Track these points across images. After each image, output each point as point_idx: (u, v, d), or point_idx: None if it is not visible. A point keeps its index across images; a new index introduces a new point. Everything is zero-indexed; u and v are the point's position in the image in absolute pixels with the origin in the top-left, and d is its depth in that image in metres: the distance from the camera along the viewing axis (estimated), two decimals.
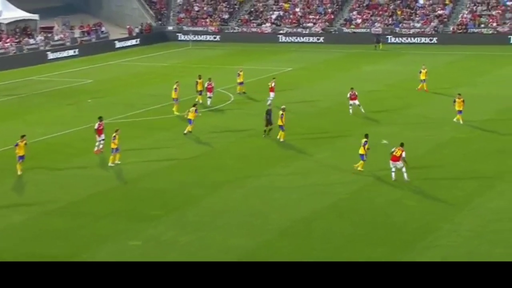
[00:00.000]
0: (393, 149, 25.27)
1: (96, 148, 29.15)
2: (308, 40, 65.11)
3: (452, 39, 61.48)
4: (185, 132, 31.68)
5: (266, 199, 23.55)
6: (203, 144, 30.64)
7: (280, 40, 65.13)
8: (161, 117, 35.92)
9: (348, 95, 35.27)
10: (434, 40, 62.02)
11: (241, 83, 40.50)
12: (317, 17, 67.88)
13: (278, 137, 30.57)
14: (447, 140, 30.42)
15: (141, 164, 27.76)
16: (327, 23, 66.91)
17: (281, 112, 30.37)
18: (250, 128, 33.22)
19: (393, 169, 24.95)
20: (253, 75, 48.03)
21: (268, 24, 68.26)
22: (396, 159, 24.94)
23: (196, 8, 72.04)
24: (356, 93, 35.10)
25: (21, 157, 26.41)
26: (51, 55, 57.39)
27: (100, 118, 29.66)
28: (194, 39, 66.92)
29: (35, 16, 61.23)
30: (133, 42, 65.94)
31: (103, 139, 28.88)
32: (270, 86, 37.62)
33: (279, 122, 30.24)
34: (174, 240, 20.27)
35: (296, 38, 65.44)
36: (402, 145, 25.41)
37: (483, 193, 23.70)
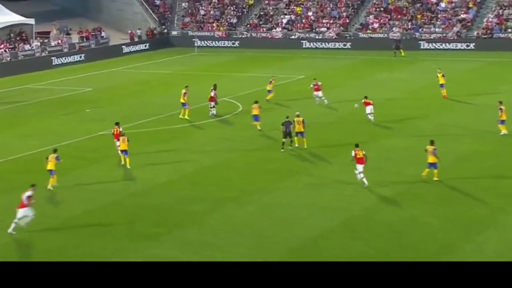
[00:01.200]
0: (353, 153, 26.40)
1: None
2: (322, 45, 65.28)
3: (476, 44, 61.47)
4: (259, 128, 34.12)
5: (273, 216, 23.59)
6: (207, 157, 30.75)
7: (291, 46, 65.32)
8: (162, 128, 36.11)
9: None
10: (457, 46, 62.01)
11: (270, 91, 40.87)
12: (331, 21, 68.09)
13: (297, 144, 31.10)
14: (468, 152, 30.40)
15: (141, 179, 27.90)
16: (341, 28, 67.07)
17: (297, 119, 30.97)
18: (258, 139, 33.31)
19: (360, 175, 25.97)
20: (262, 83, 48.21)
21: (278, 29, 68.52)
22: (361, 161, 26.11)
23: (202, 12, 72.45)
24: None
25: (51, 172, 26.66)
26: (55, 61, 57.89)
27: (117, 123, 30.96)
28: (212, 45, 67.26)
29: (31, 21, 61.72)
30: (139, 47, 66.35)
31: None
32: (313, 87, 39.72)
33: (299, 129, 30.70)
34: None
35: (309, 44, 65.64)
36: (357, 145, 26.73)
37: (509, 211, 23.63)
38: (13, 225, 22.28)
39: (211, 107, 38.09)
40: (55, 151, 27.83)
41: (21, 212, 22.28)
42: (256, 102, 35.39)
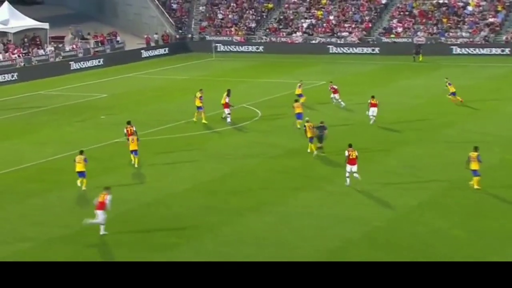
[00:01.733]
0: (347, 153, 27.08)
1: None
2: (343, 50, 65.24)
3: (504, 49, 61.06)
4: (298, 127, 35.29)
5: (293, 227, 23.53)
6: (225, 165, 30.79)
7: (312, 51, 65.34)
8: (178, 136, 36.24)
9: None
10: (484, 50, 61.67)
11: (300, 95, 41.12)
12: (353, 25, 68.03)
13: (308, 150, 31.67)
14: (497, 162, 30.15)
15: (157, 187, 27.99)
16: (364, 32, 66.99)
17: (308, 124, 31.54)
18: (277, 147, 33.32)
19: (348, 174, 26.84)
20: (281, 89, 48.25)
21: (299, 33, 68.58)
22: (353, 162, 26.80)
23: (220, 16, 72.72)
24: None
25: (81, 174, 27.45)
26: (71, 66, 58.35)
27: (129, 122, 32.05)
28: (231, 50, 67.50)
29: (45, 25, 62.28)
30: (156, 52, 66.73)
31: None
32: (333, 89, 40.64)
33: (310, 134, 31.38)
34: None
35: (330, 49, 65.61)
36: (350, 145, 27.45)
37: None
38: (101, 228, 23.03)
39: (227, 114, 38.04)
40: (81, 152, 28.40)
41: (100, 213, 23.04)
42: (296, 100, 37.38)
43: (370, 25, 67.52)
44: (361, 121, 38.27)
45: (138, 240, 22.75)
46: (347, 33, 67.28)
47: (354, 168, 26.95)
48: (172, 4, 74.88)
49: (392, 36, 65.72)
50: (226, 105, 38.20)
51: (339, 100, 41.13)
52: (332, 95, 41.51)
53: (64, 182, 28.80)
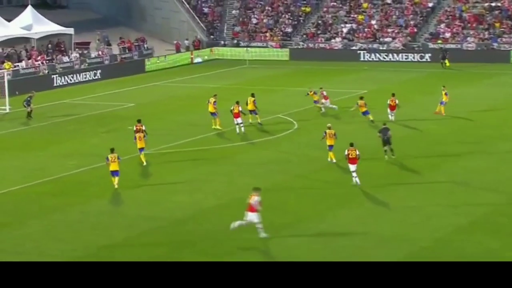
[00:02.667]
0: (347, 152, 28.69)
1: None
2: (386, 57, 65.01)
3: None
4: (371, 118, 38.97)
5: (331, 246, 23.42)
6: (259, 180, 30.78)
7: (352, 58, 65.22)
8: (208, 148, 36.40)
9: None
10: None
11: (316, 101, 43.00)
12: (397, 30, 67.77)
13: (329, 159, 32.32)
14: None
15: (186, 202, 28.11)
16: (408, 38, 66.67)
17: (329, 131, 32.38)
18: (315, 161, 33.26)
19: (354, 174, 28.55)
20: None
21: (338, 39, 68.53)
22: (353, 161, 28.52)
23: (254, 21, 73.01)
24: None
25: (115, 173, 29.23)
26: (95, 74, 59.02)
27: (139, 121, 34.13)
28: (265, 56, 67.71)
29: (70, 30, 63.10)
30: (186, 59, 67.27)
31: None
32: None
33: (330, 142, 32.08)
34: None
35: (371, 55, 65.42)
36: (352, 144, 29.01)
37: None
38: (259, 229, 23.63)
39: (240, 123, 38.17)
40: (112, 150, 29.80)
41: (250, 216, 23.62)
42: (361, 98, 40.31)
43: (415, 30, 67.18)
44: (406, 133, 38.03)
45: (166, 259, 22.81)
46: (390, 39, 67.03)
47: (353, 167, 28.44)
48: (204, 8, 75.39)
49: (439, 41, 65.27)
50: (237, 115, 38.16)
51: (330, 105, 42.85)
52: (323, 101, 42.86)
53: (88, 197, 29.09)
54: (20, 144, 38.00)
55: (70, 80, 57.31)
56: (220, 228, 25.26)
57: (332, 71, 60.67)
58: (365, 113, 39.55)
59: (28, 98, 43.92)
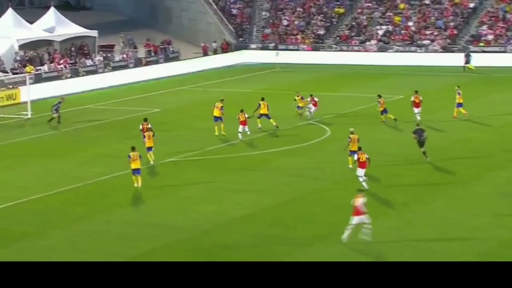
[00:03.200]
0: (356, 156, 29.98)
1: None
2: (424, 61, 64.68)
3: None
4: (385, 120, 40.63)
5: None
6: (290, 189, 30.83)
7: (388, 61, 65.02)
8: (236, 155, 36.49)
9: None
10: None
11: (299, 107, 43.51)
12: (436, 32, 67.41)
13: (350, 165, 32.44)
14: None
15: (213, 212, 28.21)
16: (448, 40, 66.28)
17: (352, 136, 32.67)
18: (348, 169, 33.19)
19: (362, 179, 29.68)
20: (354, 103, 48.11)
21: (373, 42, 68.36)
22: (363, 165, 29.67)
23: (285, 22, 73.11)
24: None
25: (137, 171, 30.59)
26: (119, 78, 59.50)
27: (146, 119, 35.90)
28: (296, 60, 67.70)
29: (94, 33, 63.70)
30: (213, 62, 67.53)
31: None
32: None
33: (354, 148, 32.12)
34: None
35: (409, 59, 65.14)
36: (360, 148, 30.27)
37: None
38: (366, 231, 24.11)
39: (245, 131, 38.57)
40: (133, 149, 31.21)
41: (356, 219, 24.12)
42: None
43: (455, 32, 66.76)
44: (447, 141, 37.82)
45: None
46: (428, 41, 66.69)
47: (362, 172, 29.53)
48: (232, 9, 75.65)
49: (481, 44, 64.79)
50: (244, 122, 38.53)
51: (312, 111, 43.07)
52: (312, 107, 43.18)
53: (111, 206, 29.32)
54: (42, 151, 38.42)
55: (94, 84, 57.77)
56: (249, 240, 25.31)
57: (367, 75, 60.51)
58: (384, 111, 40.92)
59: (58, 104, 44.34)
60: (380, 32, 68.87)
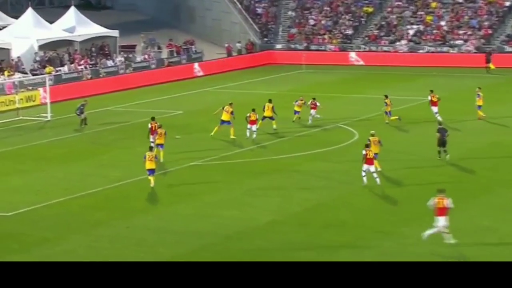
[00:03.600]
0: (364, 152, 30.75)
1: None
2: (456, 61, 64.34)
3: None
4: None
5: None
6: (316, 194, 30.83)
7: (419, 62, 64.76)
8: (261, 159, 36.53)
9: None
10: None
11: (297, 112, 43.47)
12: (469, 32, 67.02)
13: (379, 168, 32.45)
14: None
15: (237, 218, 28.25)
16: (482, 40, 65.87)
17: (372, 138, 32.93)
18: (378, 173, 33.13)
19: (364, 174, 30.71)
20: (381, 106, 47.98)
21: (403, 42, 68.12)
22: (371, 162, 30.71)
23: (312, 22, 73.09)
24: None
25: (151, 171, 31.68)
26: (141, 79, 59.79)
27: (153, 118, 36.69)
28: (323, 60, 67.76)
29: (115, 33, 64.10)
30: (238, 63, 67.64)
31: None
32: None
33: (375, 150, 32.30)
34: None
35: (440, 60, 64.83)
36: (367, 145, 31.25)
37: None
38: (430, 232, 24.29)
39: (254, 131, 38.94)
40: (151, 148, 32.83)
41: (441, 220, 24.28)
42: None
43: (490, 31, 66.33)
44: (477, 145, 37.61)
45: None
46: (461, 41, 66.31)
47: (372, 168, 30.60)
48: (257, 9, 75.78)
49: None
50: (253, 122, 39.12)
51: (316, 116, 43.17)
52: (311, 111, 43.19)
53: (133, 211, 29.48)
54: (62, 154, 38.71)
55: (114, 85, 58.10)
56: (273, 246, 25.34)
57: (397, 77, 60.31)
58: (388, 113, 41.86)
59: (81, 106, 44.62)
60: (411, 32, 68.61)
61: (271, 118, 40.97)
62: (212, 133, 40.10)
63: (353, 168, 34.33)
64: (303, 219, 27.93)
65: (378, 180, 30.67)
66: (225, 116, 39.83)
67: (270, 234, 26.57)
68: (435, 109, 41.96)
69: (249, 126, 39.47)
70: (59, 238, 26.72)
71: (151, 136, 36.17)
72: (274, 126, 41.01)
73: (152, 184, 31.41)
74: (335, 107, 48.11)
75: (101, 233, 27.13)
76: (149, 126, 36.56)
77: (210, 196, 31.02)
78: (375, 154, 32.35)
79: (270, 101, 41.80)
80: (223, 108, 40.27)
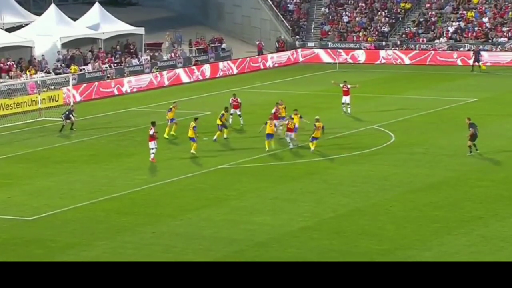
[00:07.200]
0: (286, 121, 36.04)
1: (152, 156, 36.30)
2: (500, 60, 63.81)
3: None
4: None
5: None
6: (351, 200, 30.73)
7: (460, 61, 64.38)
8: (294, 162, 36.50)
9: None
10: None
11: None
12: None
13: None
14: None
15: (268, 224, 28.25)
16: None
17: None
18: (416, 179, 32.95)
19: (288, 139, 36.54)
20: (419, 108, 47.73)
21: (443, 39, 67.73)
22: (290, 130, 36.88)
23: (346, 19, 72.90)
24: (349, 87, 44.96)
25: (192, 139, 36.44)
26: (165, 79, 60.04)
27: (153, 123, 37.03)
28: (358, 59, 67.56)
29: (140, 30, 64.38)
30: (268, 61, 67.63)
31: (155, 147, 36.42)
32: None
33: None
34: None
35: (483, 58, 64.31)
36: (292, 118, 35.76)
37: None
38: None
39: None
40: (195, 119, 37.01)
41: None
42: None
43: None
44: None
45: None
46: (505, 39, 65.78)
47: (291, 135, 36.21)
48: (288, 5, 75.78)
49: None
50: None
51: (348, 106, 45.08)
52: (343, 98, 44.94)
53: (160, 216, 29.59)
54: (86, 156, 38.94)
55: (140, 85, 58.36)
56: (306, 254, 25.31)
57: (435, 76, 59.96)
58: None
59: (67, 112, 44.63)
60: (451, 29, 68.17)
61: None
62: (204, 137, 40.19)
63: (388, 172, 34.20)
64: (338, 226, 27.86)
65: (291, 145, 36.74)
66: (218, 121, 40.75)
67: (303, 241, 26.54)
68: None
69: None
70: (83, 244, 26.89)
71: (150, 143, 36.59)
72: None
73: (192, 150, 36.92)
74: (370, 108, 47.95)
75: (126, 239, 27.26)
76: (151, 132, 36.51)
77: (240, 201, 31.06)
78: (315, 138, 36.73)
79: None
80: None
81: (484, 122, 40.56)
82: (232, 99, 44.43)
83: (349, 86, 45.28)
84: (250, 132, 43.04)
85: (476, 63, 60.64)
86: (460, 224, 27.63)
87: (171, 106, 43.03)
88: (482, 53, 62.49)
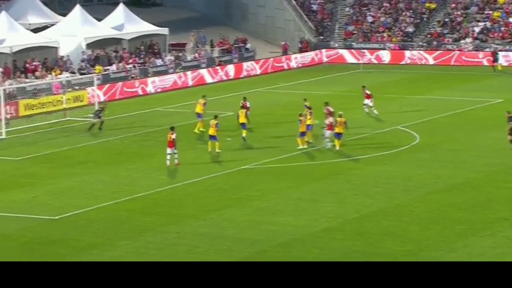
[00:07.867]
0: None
1: (168, 162, 35.61)
2: None
3: None
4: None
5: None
6: (375, 200, 30.63)
7: (483, 62, 63.98)
8: (316, 163, 36.45)
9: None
10: None
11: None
12: None
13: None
14: None
15: (291, 225, 28.21)
16: None
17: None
18: (440, 180, 32.78)
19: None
20: (444, 108, 47.50)
21: (468, 40, 67.31)
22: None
23: (370, 19, 72.68)
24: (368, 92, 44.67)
25: (213, 137, 37.36)
26: (189, 79, 60.14)
27: (172, 128, 36.87)
28: (382, 60, 67.38)
29: (164, 30, 64.56)
30: (292, 62, 67.54)
31: (175, 152, 35.87)
32: None
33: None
34: None
35: (509, 58, 63.89)
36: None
37: None
38: None
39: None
40: (216, 117, 37.67)
41: None
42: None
43: None
44: None
45: None
46: None
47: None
48: (312, 5, 75.66)
49: None
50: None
51: (372, 108, 44.65)
52: (365, 101, 44.75)
53: (183, 216, 29.63)
54: (110, 156, 39.11)
55: (164, 85, 58.51)
56: (330, 255, 25.25)
57: (461, 77, 59.60)
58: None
59: (99, 109, 44.92)
60: (477, 29, 67.72)
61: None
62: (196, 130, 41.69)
63: (412, 173, 34.04)
64: (362, 227, 27.77)
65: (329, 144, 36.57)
66: (198, 109, 42.71)
67: (326, 242, 26.48)
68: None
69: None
70: (106, 244, 26.99)
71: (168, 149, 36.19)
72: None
73: (216, 149, 37.30)
74: (394, 109, 47.77)
75: (149, 240, 27.32)
76: (171, 138, 36.10)
77: (262, 201, 31.03)
78: (339, 134, 36.78)
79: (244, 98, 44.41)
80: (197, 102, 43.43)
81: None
82: (242, 102, 44.27)
83: (368, 91, 45.05)
84: (274, 132, 43.01)
85: (495, 63, 60.26)
86: (485, 225, 27.45)
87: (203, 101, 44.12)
88: (507, 53, 62.03)
